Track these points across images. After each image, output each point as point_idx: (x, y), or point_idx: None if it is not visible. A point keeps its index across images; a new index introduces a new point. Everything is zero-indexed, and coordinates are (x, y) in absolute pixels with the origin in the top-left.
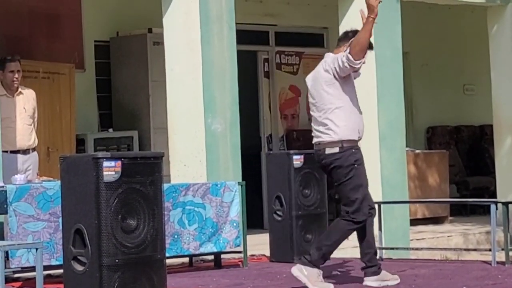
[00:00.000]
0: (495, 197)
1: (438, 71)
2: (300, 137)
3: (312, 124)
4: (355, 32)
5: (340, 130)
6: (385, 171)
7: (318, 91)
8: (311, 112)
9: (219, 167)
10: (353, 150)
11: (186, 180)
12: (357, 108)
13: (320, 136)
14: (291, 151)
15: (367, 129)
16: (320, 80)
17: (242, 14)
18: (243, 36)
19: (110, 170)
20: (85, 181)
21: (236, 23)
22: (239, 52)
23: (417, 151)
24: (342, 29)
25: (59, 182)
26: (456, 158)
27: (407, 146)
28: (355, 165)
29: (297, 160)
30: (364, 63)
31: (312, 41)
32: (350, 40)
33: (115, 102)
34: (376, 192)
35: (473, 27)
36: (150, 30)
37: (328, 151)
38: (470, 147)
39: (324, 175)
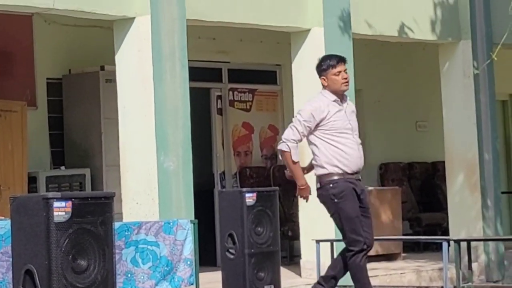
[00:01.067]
0: (448, 234)
1: (390, 108)
2: (253, 174)
3: None
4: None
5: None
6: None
7: None
8: None
9: (172, 205)
10: (331, 185)
11: (139, 218)
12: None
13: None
14: (244, 189)
15: None
16: None
17: (195, 51)
18: (196, 73)
19: (61, 210)
20: (36, 221)
21: (189, 60)
22: (192, 89)
23: (370, 187)
24: (295, 67)
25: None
26: (409, 195)
27: None
28: (335, 200)
29: (250, 198)
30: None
31: (265, 78)
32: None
33: (67, 140)
34: (328, 229)
35: (425, 64)
36: (102, 68)
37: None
38: (422, 183)
39: (277, 213)
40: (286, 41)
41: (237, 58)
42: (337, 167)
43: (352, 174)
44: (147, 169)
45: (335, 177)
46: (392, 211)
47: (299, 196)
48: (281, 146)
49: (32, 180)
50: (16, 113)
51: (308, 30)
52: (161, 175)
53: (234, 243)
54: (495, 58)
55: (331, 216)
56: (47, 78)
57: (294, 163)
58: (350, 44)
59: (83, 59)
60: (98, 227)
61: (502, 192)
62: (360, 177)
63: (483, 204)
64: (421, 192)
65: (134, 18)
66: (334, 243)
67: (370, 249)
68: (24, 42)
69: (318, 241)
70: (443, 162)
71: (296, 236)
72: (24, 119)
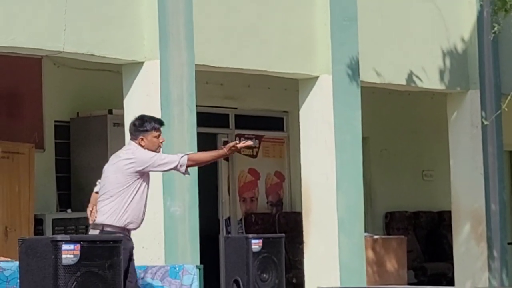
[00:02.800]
0: (453, 284)
1: (397, 157)
2: (259, 221)
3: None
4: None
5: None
6: (343, 256)
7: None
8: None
9: (178, 250)
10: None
11: (144, 262)
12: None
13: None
14: (250, 235)
15: (326, 213)
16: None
17: (203, 96)
18: (203, 118)
19: (69, 253)
20: (44, 264)
21: (197, 106)
22: (199, 134)
23: (376, 236)
24: (302, 113)
25: (16, 262)
26: (414, 244)
27: (365, 231)
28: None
29: (256, 244)
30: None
31: (272, 125)
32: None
33: (74, 183)
34: (334, 277)
35: (432, 113)
36: (110, 111)
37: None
38: (428, 233)
39: (283, 260)
40: (293, 87)
41: (244, 104)
42: (126, 221)
43: (129, 231)
44: (153, 213)
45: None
46: (397, 260)
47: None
48: (182, 163)
49: (38, 222)
50: (23, 155)
51: (316, 77)
52: (167, 220)
53: None
54: (506, 109)
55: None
56: (55, 121)
57: (206, 156)
58: (358, 91)
59: (91, 102)
60: (106, 271)
61: (509, 243)
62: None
63: (489, 254)
64: (427, 241)
65: (143, 62)
66: None
67: None
68: (33, 85)
69: None
70: (449, 211)
71: (301, 283)
72: (32, 161)
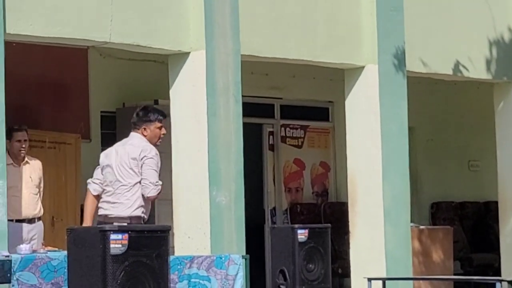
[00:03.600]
0: (499, 274)
1: (443, 147)
2: (304, 211)
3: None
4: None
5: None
6: (389, 246)
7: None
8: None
9: (223, 240)
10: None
11: (190, 252)
12: None
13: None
14: (296, 225)
15: (372, 203)
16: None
17: (248, 86)
18: (248, 108)
19: (117, 242)
20: (92, 254)
21: (242, 96)
22: (245, 125)
23: (422, 227)
24: (348, 104)
25: (64, 252)
26: (461, 234)
27: (411, 222)
28: None
29: (302, 234)
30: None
31: (317, 115)
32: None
33: None
34: (380, 267)
35: (479, 103)
36: (156, 102)
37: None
38: (474, 223)
39: (329, 250)
40: (339, 77)
41: (289, 94)
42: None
43: None
44: (199, 204)
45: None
46: (443, 250)
47: None
48: (153, 193)
49: None
50: (70, 146)
51: (362, 67)
52: (213, 210)
53: (285, 279)
54: None
55: None
56: (101, 111)
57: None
58: (404, 81)
59: (137, 92)
60: (153, 260)
61: None
62: None
63: None
64: (473, 232)
65: (189, 52)
66: (386, 281)
67: None
68: (79, 75)
69: (369, 279)
70: (496, 202)
71: (346, 274)
72: (78, 152)
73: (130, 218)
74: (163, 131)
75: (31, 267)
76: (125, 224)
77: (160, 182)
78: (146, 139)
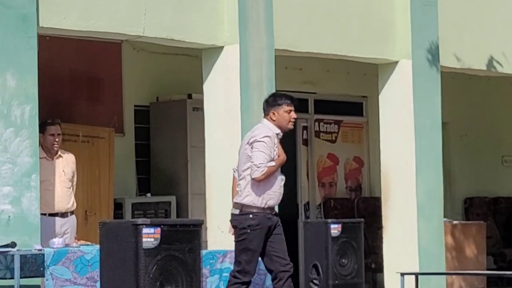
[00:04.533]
0: None
1: (476, 142)
2: (337, 206)
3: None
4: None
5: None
6: (422, 241)
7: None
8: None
9: None
10: (251, 216)
11: (223, 246)
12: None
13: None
14: (329, 220)
15: (405, 198)
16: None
17: (282, 81)
18: None
19: (150, 236)
20: (124, 247)
21: (276, 91)
22: None
23: (455, 222)
24: (382, 98)
25: (97, 246)
26: (494, 230)
27: (444, 217)
28: (248, 230)
29: (335, 229)
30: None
31: (351, 110)
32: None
33: (153, 167)
34: (413, 262)
35: None
36: (190, 96)
37: (232, 211)
38: (507, 218)
39: (362, 245)
40: (373, 72)
41: (323, 89)
42: (265, 200)
43: (271, 209)
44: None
45: (256, 210)
46: (477, 245)
47: None
48: (257, 174)
49: (118, 206)
50: (103, 140)
51: (396, 62)
52: None
53: (318, 274)
54: None
55: (237, 241)
56: (135, 105)
57: (273, 167)
58: (438, 76)
59: (170, 87)
60: (186, 254)
61: None
62: (276, 211)
63: None
64: (506, 227)
65: (222, 47)
66: (419, 276)
67: (290, 274)
68: (113, 69)
69: (402, 274)
70: None
71: (379, 269)
72: (112, 146)
73: (242, 205)
74: (293, 114)
75: (65, 261)
76: (237, 212)
77: (264, 164)
78: (274, 124)
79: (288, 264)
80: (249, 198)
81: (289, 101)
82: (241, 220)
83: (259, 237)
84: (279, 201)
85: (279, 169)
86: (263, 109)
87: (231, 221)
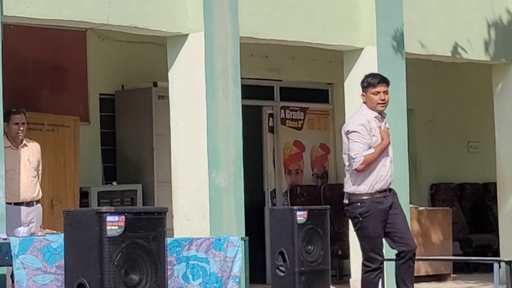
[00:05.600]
0: (498, 255)
1: (442, 128)
2: (303, 193)
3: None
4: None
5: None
6: None
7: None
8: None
9: (223, 222)
10: (358, 204)
11: (189, 234)
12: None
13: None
14: (295, 207)
15: None
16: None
17: (247, 69)
18: (248, 91)
19: (114, 224)
20: (89, 235)
21: (241, 78)
22: (244, 107)
23: (421, 208)
24: (347, 85)
25: (62, 235)
26: (460, 216)
27: (410, 203)
28: (360, 218)
29: (301, 216)
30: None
31: (317, 97)
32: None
33: (119, 155)
34: None
35: (477, 84)
36: (155, 84)
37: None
38: (473, 204)
39: (328, 231)
40: (338, 59)
41: (289, 76)
42: (369, 186)
43: (381, 192)
44: (199, 186)
45: (364, 197)
46: (443, 231)
47: None
48: (355, 165)
49: (84, 195)
50: (69, 128)
51: (361, 49)
52: (213, 192)
53: (284, 260)
54: None
55: (355, 231)
56: (100, 94)
57: (373, 154)
58: (403, 63)
59: (136, 75)
60: (150, 242)
61: None
62: (388, 193)
63: None
64: (472, 213)
65: (187, 34)
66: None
67: (412, 253)
68: (77, 58)
69: None
70: (495, 183)
71: (346, 255)
72: (77, 134)
73: (348, 195)
74: (381, 96)
75: (32, 249)
76: (346, 202)
77: (360, 153)
78: (367, 106)
79: (407, 244)
80: (353, 187)
81: (375, 82)
82: (351, 210)
83: (374, 222)
84: (388, 183)
85: (386, 151)
86: None
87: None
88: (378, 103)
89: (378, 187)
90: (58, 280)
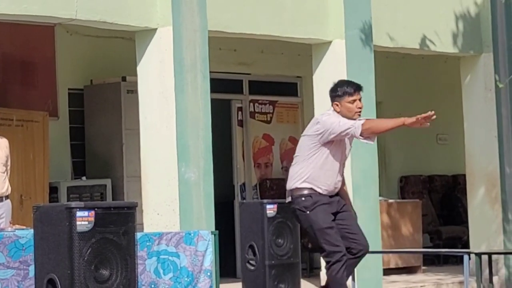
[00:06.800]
0: (468, 247)
1: None
2: (273, 186)
3: None
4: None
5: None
6: (358, 220)
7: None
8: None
9: (192, 216)
10: (303, 198)
11: (159, 229)
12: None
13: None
14: (265, 200)
15: None
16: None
17: (216, 62)
18: (217, 84)
19: (84, 220)
20: (58, 231)
21: (210, 72)
22: (213, 101)
23: (390, 200)
24: (316, 78)
25: (32, 230)
26: (429, 208)
27: (380, 195)
28: (306, 212)
29: (270, 209)
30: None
31: (286, 90)
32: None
33: (88, 150)
34: None
35: (446, 76)
36: (124, 79)
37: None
38: (443, 196)
39: (297, 224)
40: (307, 53)
41: (258, 69)
42: (312, 189)
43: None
44: (168, 180)
45: (307, 191)
46: (412, 224)
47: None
48: (357, 130)
49: (53, 190)
50: (37, 123)
51: (330, 42)
52: (182, 186)
53: (254, 254)
54: None
55: (305, 229)
56: (69, 89)
57: (383, 123)
58: (372, 56)
59: (104, 69)
60: (120, 237)
61: None
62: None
63: (504, 217)
64: (442, 205)
65: (156, 29)
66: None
67: (364, 252)
68: (46, 53)
69: None
70: (464, 175)
71: (315, 248)
72: (46, 129)
73: (291, 191)
74: (358, 104)
75: None
76: (290, 198)
77: (353, 122)
78: (341, 115)
79: (361, 243)
80: (296, 183)
81: (351, 91)
82: (295, 206)
83: (322, 214)
84: (335, 192)
85: (342, 152)
86: (330, 97)
87: None
88: (356, 112)
89: (321, 191)
90: (20, 275)
